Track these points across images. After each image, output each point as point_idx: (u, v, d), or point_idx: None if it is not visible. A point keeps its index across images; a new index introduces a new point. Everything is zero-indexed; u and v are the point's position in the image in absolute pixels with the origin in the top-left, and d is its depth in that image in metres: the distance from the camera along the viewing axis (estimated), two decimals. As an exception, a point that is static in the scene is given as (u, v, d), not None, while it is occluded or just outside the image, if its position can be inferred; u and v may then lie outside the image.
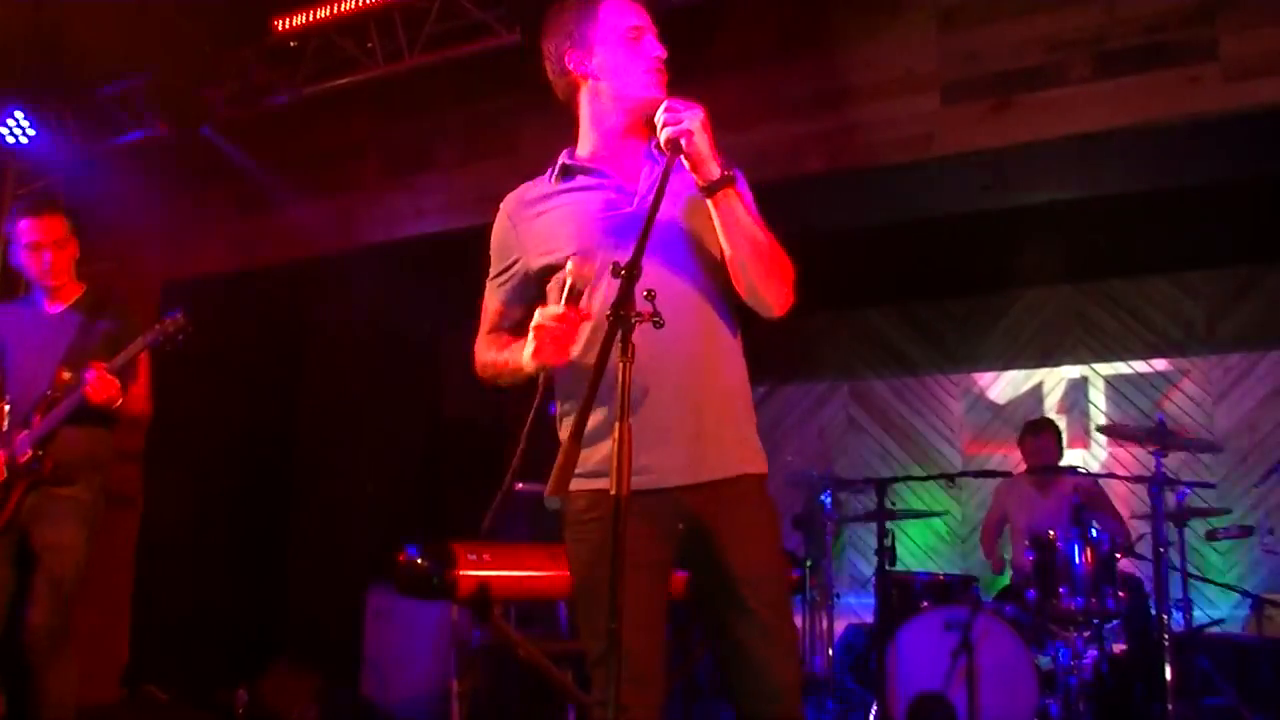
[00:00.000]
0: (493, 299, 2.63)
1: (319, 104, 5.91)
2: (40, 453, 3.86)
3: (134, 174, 6.50)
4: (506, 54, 5.37)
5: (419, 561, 3.40)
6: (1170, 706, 4.20)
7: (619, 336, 2.08)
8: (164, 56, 5.80)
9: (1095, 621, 4.64)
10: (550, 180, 2.50)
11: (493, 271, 2.62)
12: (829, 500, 6.16)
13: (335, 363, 5.74)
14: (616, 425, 2.06)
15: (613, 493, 2.02)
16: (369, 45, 5.66)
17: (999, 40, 4.70)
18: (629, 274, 2.12)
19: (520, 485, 4.65)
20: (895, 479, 5.51)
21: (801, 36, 5.13)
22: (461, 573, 3.43)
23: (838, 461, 7.79)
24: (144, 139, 6.26)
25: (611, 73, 2.44)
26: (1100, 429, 6.41)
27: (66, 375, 3.88)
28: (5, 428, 3.96)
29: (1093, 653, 4.67)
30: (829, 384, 8.29)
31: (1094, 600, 4.62)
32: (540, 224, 2.48)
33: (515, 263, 2.54)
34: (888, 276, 7.11)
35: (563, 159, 2.49)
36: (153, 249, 6.73)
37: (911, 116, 4.82)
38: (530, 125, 5.67)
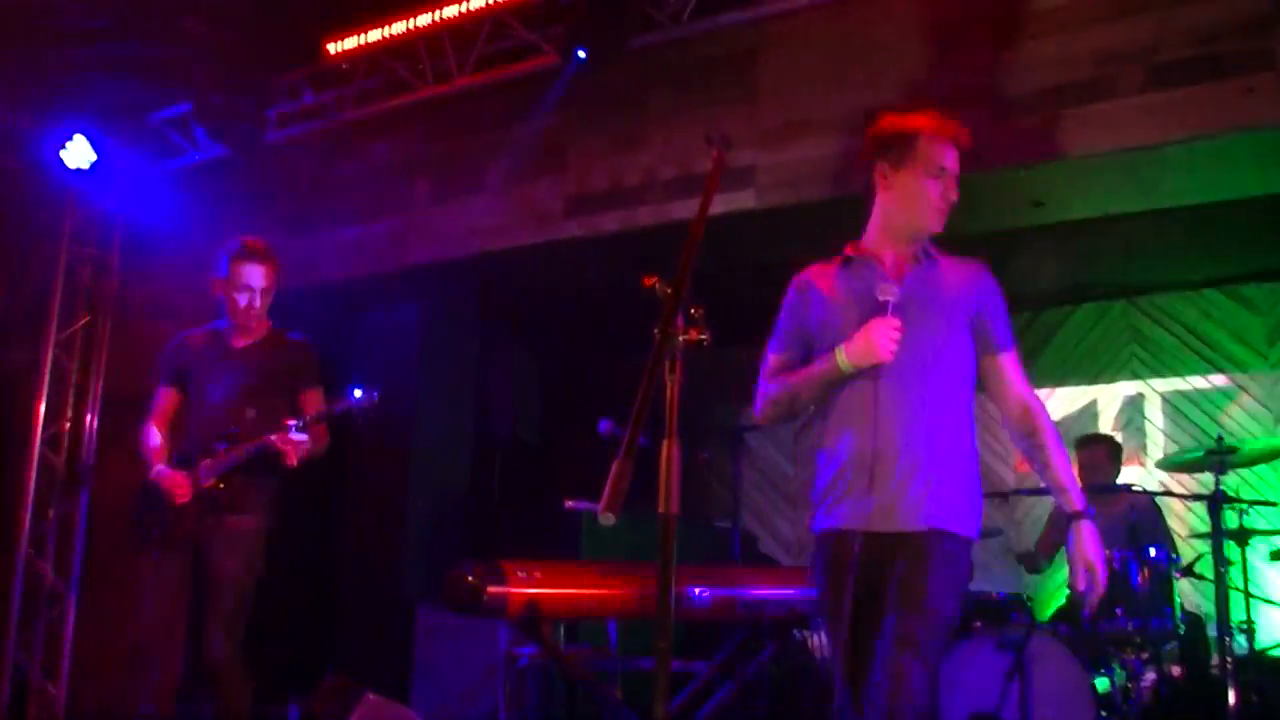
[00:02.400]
0: (779, 354, 3.03)
1: (370, 125, 5.98)
2: (221, 484, 4.07)
3: (189, 196, 6.61)
4: (554, 74, 5.42)
5: (469, 579, 3.42)
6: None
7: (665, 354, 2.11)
8: (219, 80, 5.90)
9: (1153, 643, 4.55)
10: (836, 266, 2.93)
11: (782, 331, 3.02)
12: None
13: (386, 382, 5.81)
14: (665, 444, 2.07)
15: (660, 510, 2.03)
16: (419, 67, 5.73)
17: (1049, 53, 4.66)
18: (675, 294, 2.14)
19: (571, 504, 4.69)
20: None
21: (848, 53, 5.12)
22: (511, 590, 3.44)
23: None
24: (199, 162, 6.37)
25: (908, 195, 2.86)
26: (1159, 464, 6.31)
27: (251, 413, 4.13)
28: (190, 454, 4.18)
29: (1151, 675, 4.58)
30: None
31: (1152, 621, 4.54)
32: (824, 300, 2.89)
33: (800, 328, 2.95)
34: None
35: (847, 250, 2.93)
36: (205, 269, 6.83)
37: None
38: (577, 145, 5.71)
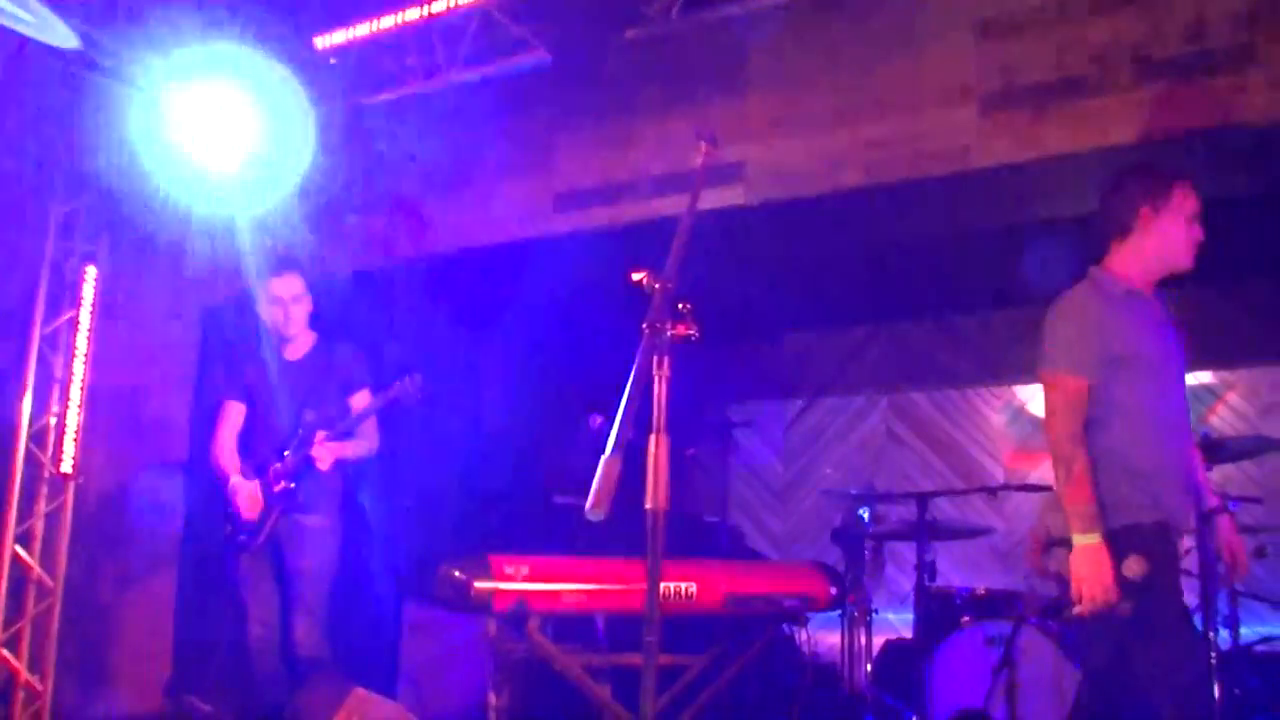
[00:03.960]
0: (1083, 376, 3.16)
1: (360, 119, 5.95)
2: (291, 485, 4.43)
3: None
4: (541, 71, 5.41)
5: (457, 574, 3.42)
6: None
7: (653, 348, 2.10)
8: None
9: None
10: (1121, 292, 3.25)
11: (1087, 346, 3.18)
12: (868, 515, 6.11)
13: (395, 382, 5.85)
14: (654, 439, 2.07)
15: (649, 506, 2.03)
16: (408, 61, 5.71)
17: (1037, 50, 4.67)
18: (664, 290, 2.15)
19: (560, 498, 4.71)
20: (936, 493, 5.46)
21: (838, 49, 5.12)
22: (499, 586, 3.44)
23: (877, 475, 7.74)
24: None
25: (1165, 237, 3.25)
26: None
27: (310, 417, 4.49)
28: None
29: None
30: (868, 397, 8.24)
31: (1139, 616, 4.56)
32: (1122, 323, 3.19)
33: (1101, 345, 3.15)
34: (928, 289, 7.06)
35: (1126, 285, 3.26)
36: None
37: (949, 128, 4.80)
38: (566, 140, 5.71)
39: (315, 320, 4.78)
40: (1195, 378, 7.05)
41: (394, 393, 4.39)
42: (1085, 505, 3.00)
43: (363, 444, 4.59)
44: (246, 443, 4.68)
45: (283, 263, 4.70)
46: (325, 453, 4.37)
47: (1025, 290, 7.14)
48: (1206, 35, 4.35)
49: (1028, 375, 7.62)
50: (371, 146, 6.25)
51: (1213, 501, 3.41)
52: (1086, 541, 2.96)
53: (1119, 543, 2.97)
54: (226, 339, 5.22)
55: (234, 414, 4.70)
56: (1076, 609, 2.95)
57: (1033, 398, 7.66)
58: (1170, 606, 3.00)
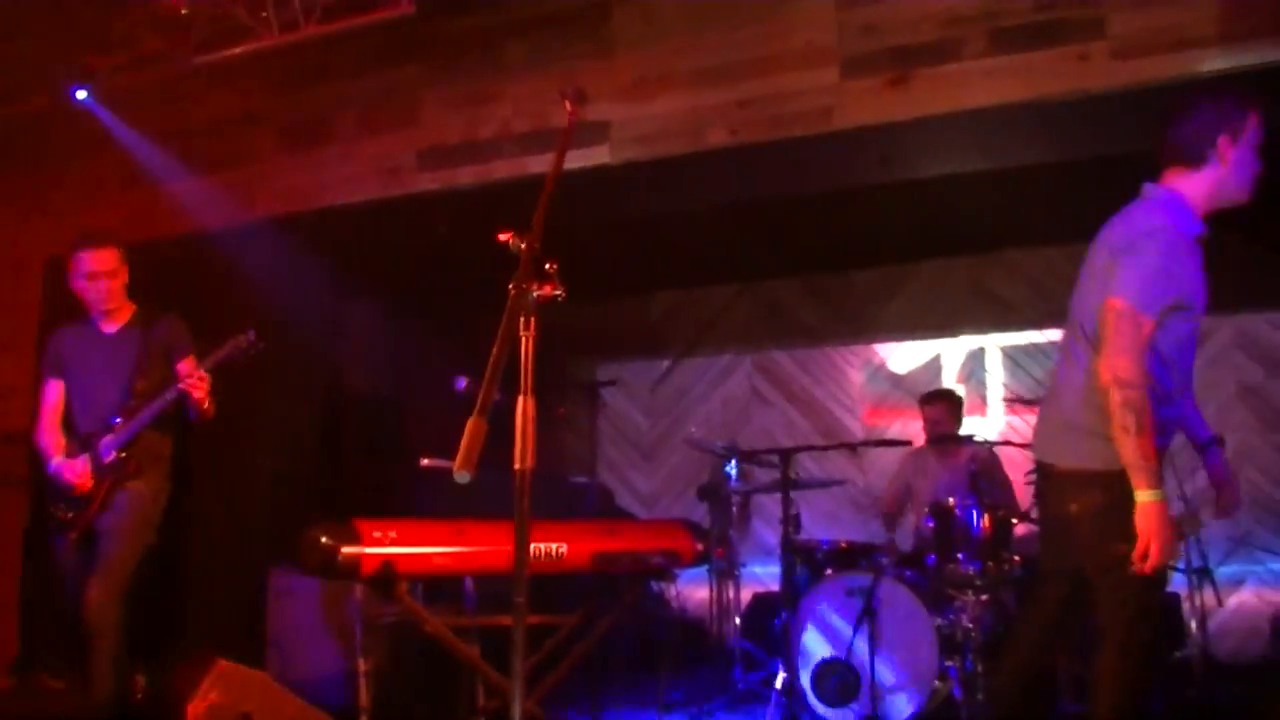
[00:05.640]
0: (1152, 317, 2.88)
1: (211, 74, 5.76)
2: (124, 454, 4.32)
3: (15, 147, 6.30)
4: (404, 24, 5.29)
5: (323, 540, 3.36)
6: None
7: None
8: (44, 22, 5.60)
9: (992, 586, 4.76)
10: (1196, 232, 2.98)
11: (1161, 286, 2.89)
12: (734, 471, 6.21)
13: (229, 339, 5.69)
14: (521, 399, 2.07)
15: (516, 466, 2.03)
16: (263, 14, 5.52)
17: (896, 15, 4.77)
18: (530, 249, 2.14)
19: (427, 461, 4.65)
20: (798, 448, 5.57)
21: (704, 10, 5.13)
22: (366, 550, 3.39)
23: (742, 432, 7.87)
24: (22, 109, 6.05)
25: (1235, 167, 3.01)
26: (1005, 400, 6.55)
27: (142, 384, 4.38)
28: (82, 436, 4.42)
29: (989, 615, 4.79)
30: (733, 356, 8.36)
31: (990, 564, 4.75)
32: (1189, 268, 2.94)
33: (1172, 288, 2.90)
34: (790, 248, 7.17)
35: (1198, 223, 3.00)
36: (35, 226, 6.52)
37: (812, 90, 4.87)
38: (430, 97, 5.61)
39: (138, 289, 4.63)
40: (1045, 335, 7.34)
41: (226, 350, 4.25)
42: (1153, 459, 2.79)
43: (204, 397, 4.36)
44: (71, 420, 4.53)
45: (91, 237, 4.51)
46: (199, 384, 4.19)
47: (885, 250, 7.36)
48: (1057, 4, 4.49)
49: (886, 334, 7.86)
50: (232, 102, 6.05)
51: (1206, 434, 3.32)
52: (1155, 498, 2.77)
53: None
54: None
55: (53, 393, 4.56)
56: (1139, 566, 2.78)
57: (890, 355, 7.87)
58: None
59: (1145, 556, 2.77)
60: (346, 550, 3.37)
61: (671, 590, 6.31)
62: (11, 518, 4.63)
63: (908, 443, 6.13)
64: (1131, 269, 2.90)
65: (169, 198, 6.20)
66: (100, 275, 4.45)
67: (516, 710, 2.14)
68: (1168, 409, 3.00)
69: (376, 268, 6.46)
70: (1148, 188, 3.10)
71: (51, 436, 4.50)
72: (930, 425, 6.07)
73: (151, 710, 4.35)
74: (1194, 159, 3.02)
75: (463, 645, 3.75)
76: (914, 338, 7.81)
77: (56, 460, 4.40)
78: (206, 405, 4.27)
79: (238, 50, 5.65)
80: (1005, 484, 5.79)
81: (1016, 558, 4.80)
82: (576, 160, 5.08)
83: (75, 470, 4.33)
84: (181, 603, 6.28)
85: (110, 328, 4.57)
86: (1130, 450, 2.79)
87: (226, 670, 3.71)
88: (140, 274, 4.61)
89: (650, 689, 5.49)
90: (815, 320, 8.09)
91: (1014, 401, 5.81)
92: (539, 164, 5.27)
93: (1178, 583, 5.18)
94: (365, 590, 4.65)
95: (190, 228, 6.14)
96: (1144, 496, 2.78)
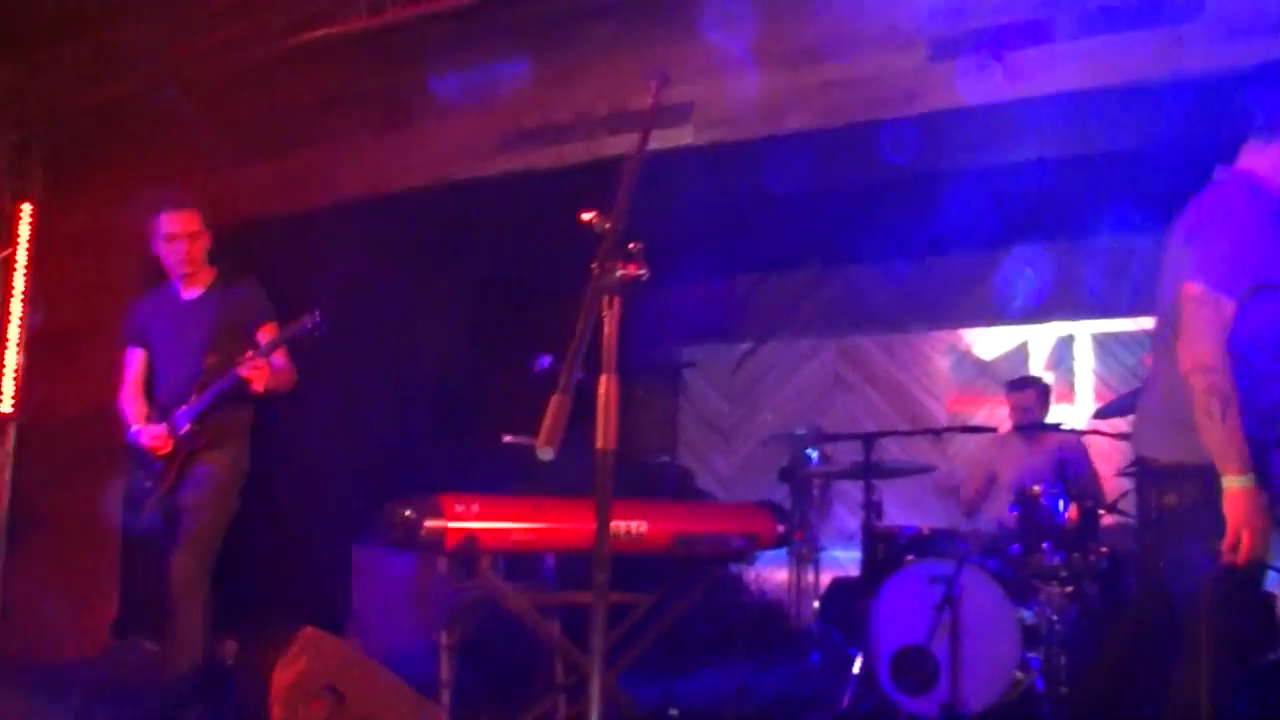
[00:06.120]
0: (1233, 299, 2.78)
1: (296, 57, 5.84)
2: (197, 427, 4.29)
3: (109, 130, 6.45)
4: (487, 7, 5.33)
5: (406, 514, 3.41)
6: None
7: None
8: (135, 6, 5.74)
9: (1076, 578, 4.68)
10: (1274, 208, 2.88)
11: (1241, 265, 2.80)
12: (815, 455, 6.18)
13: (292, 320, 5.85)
14: (603, 379, 2.08)
15: (598, 446, 2.05)
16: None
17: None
18: (613, 229, 2.15)
19: (509, 438, 4.69)
20: (881, 433, 5.52)
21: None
22: (448, 525, 3.44)
23: (824, 417, 7.82)
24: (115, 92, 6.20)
25: None
26: (1095, 415, 6.43)
27: (213, 359, 4.31)
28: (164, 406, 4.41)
29: (1073, 607, 4.71)
30: (814, 340, 8.30)
31: (1076, 555, 4.67)
32: (1273, 245, 2.84)
33: (1254, 266, 2.80)
34: (873, 232, 7.10)
35: (1275, 204, 2.89)
36: (131, 207, 6.70)
37: (897, 72, 4.80)
38: (511, 79, 5.63)
39: (220, 258, 4.62)
40: (1136, 323, 7.17)
41: (288, 331, 4.23)
42: (1241, 444, 2.68)
43: (281, 376, 4.39)
44: (153, 388, 4.55)
45: (172, 200, 4.47)
46: (256, 372, 4.18)
47: (971, 235, 7.24)
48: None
49: (972, 320, 7.74)
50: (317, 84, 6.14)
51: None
52: (1244, 484, 2.66)
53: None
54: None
55: (134, 361, 4.58)
56: (1231, 556, 2.67)
57: (976, 341, 7.76)
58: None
59: (1236, 547, 2.66)
60: (429, 524, 3.42)
61: (750, 573, 6.31)
62: (114, 486, 4.76)
63: (993, 429, 6.05)
64: (1205, 252, 2.81)
65: (254, 179, 6.32)
66: (180, 237, 4.42)
67: (595, 687, 2.16)
68: (1275, 390, 2.85)
69: (459, 248, 6.53)
70: (1219, 170, 3.01)
71: (133, 404, 4.51)
72: (1017, 412, 5.97)
73: (242, 676, 4.46)
74: (1268, 133, 2.93)
75: (542, 621, 3.79)
76: (1001, 324, 7.68)
77: (135, 426, 4.41)
78: (262, 391, 4.24)
79: (321, 33, 5.73)
80: (1093, 475, 5.69)
81: (1104, 549, 4.71)
82: (659, 141, 5.08)
83: (152, 435, 4.33)
84: (271, 573, 6.44)
85: (190, 294, 4.54)
86: (1215, 436, 2.70)
87: (313, 639, 3.78)
88: (226, 256, 4.67)
89: (727, 671, 5.50)
90: (899, 305, 8.00)
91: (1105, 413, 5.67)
92: (619, 145, 5.27)
93: (1272, 580, 5.03)
94: (447, 564, 4.72)
95: (274, 209, 6.25)
96: (1232, 483, 2.67)
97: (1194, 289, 2.78)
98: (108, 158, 6.65)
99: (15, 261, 6.48)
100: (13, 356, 6.40)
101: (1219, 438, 2.70)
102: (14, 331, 6.42)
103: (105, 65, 6.19)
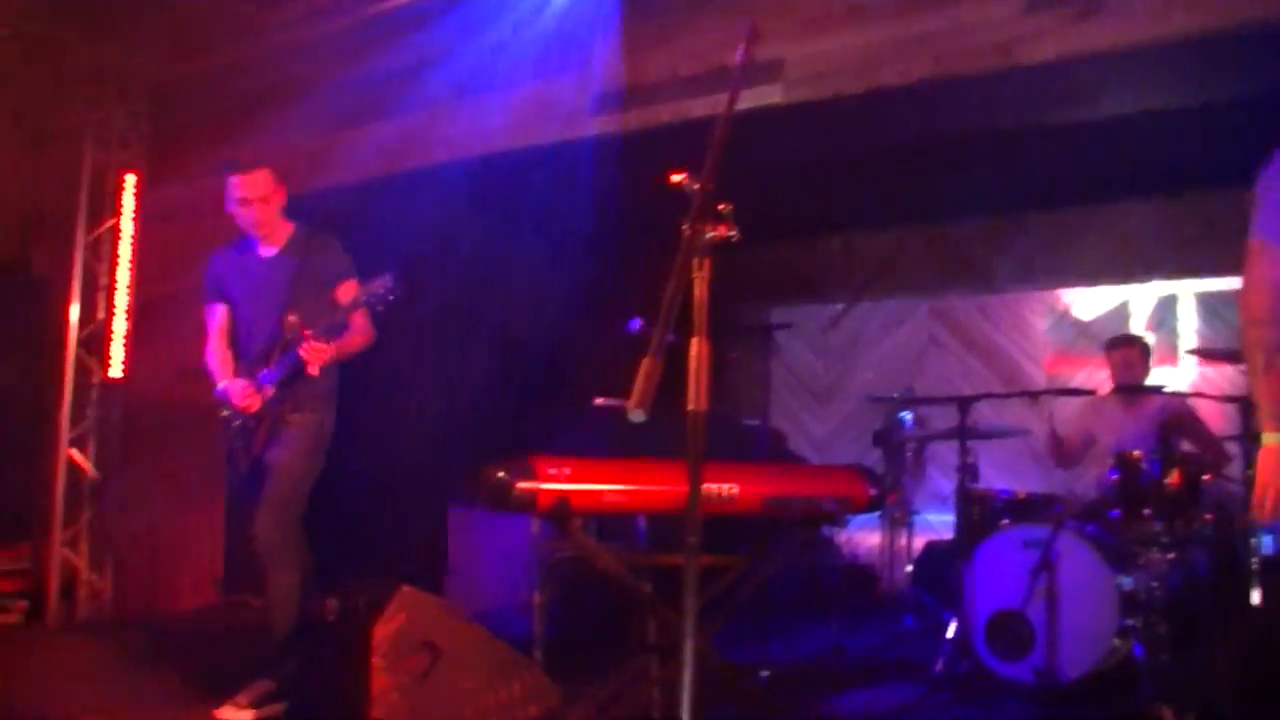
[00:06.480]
0: None
1: (384, 24, 5.89)
2: (282, 392, 4.28)
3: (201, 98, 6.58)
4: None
5: (499, 475, 3.45)
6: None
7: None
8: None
9: (1179, 544, 4.57)
10: None
11: None
12: (909, 418, 6.11)
13: (410, 284, 5.89)
14: (695, 341, 2.08)
15: (690, 407, 2.04)
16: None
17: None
18: (704, 190, 2.14)
19: (601, 400, 4.69)
20: (977, 396, 5.42)
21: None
22: (541, 486, 3.47)
23: (918, 379, 7.72)
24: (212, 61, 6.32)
25: None
26: (1191, 351, 6.25)
27: (293, 319, 4.25)
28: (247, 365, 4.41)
29: (1176, 574, 4.61)
30: (908, 301, 8.19)
31: (1179, 521, 4.56)
32: None
33: None
34: (968, 190, 6.96)
35: None
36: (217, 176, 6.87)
37: (992, 24, 4.67)
38: (601, 40, 5.61)
39: (294, 213, 4.57)
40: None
41: (364, 295, 4.13)
42: (1277, 401, 2.64)
43: (357, 338, 4.36)
44: (237, 344, 4.54)
45: (238, 164, 4.39)
46: (313, 355, 4.15)
47: (1070, 191, 7.06)
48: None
49: (1071, 279, 7.56)
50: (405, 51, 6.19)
51: None
52: (1272, 442, 2.63)
53: None
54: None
55: (219, 317, 4.56)
56: (1259, 514, 2.64)
57: (1075, 301, 7.58)
58: None
59: (1263, 505, 2.63)
60: (522, 485, 3.45)
61: (841, 535, 6.28)
62: (218, 443, 4.87)
63: (1092, 392, 5.91)
64: (1263, 206, 2.79)
65: (348, 144, 6.39)
66: (250, 200, 4.37)
67: (687, 649, 2.17)
68: None
69: (549, 211, 6.55)
70: None
71: (219, 359, 4.48)
72: (1117, 372, 5.82)
73: (343, 632, 4.57)
74: None
75: (634, 582, 3.82)
76: (1101, 283, 7.49)
77: (223, 383, 4.39)
78: (316, 373, 4.20)
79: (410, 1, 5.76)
80: (1207, 439, 5.51)
81: (1208, 515, 4.59)
82: (749, 100, 5.02)
83: (241, 392, 4.30)
84: (372, 533, 6.60)
85: (268, 251, 4.50)
86: (1256, 391, 2.69)
87: (411, 596, 3.87)
88: (318, 220, 4.70)
89: (819, 633, 5.50)
90: (995, 265, 7.83)
91: (1206, 353, 5.50)
92: (708, 106, 5.23)
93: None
94: (541, 525, 4.77)
95: (366, 173, 6.33)
96: (1268, 439, 2.65)
97: (1251, 242, 2.79)
98: (203, 127, 6.79)
99: (120, 231, 6.67)
100: (121, 323, 6.60)
101: (1257, 392, 2.68)
102: (121, 299, 6.62)
103: (199, 36, 6.32)
